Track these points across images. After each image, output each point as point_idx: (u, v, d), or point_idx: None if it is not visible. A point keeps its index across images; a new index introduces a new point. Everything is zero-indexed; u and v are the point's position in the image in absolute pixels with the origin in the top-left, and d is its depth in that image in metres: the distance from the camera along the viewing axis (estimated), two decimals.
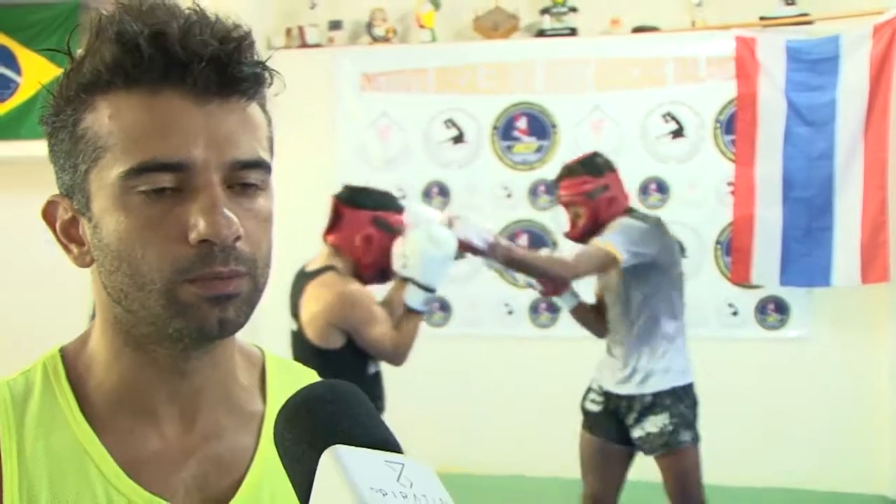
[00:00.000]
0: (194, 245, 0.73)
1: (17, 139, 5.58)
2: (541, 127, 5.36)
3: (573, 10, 5.39)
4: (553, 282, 3.22)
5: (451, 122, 5.42)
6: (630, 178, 5.27)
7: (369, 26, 5.57)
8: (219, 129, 0.74)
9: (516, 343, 5.37)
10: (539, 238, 5.36)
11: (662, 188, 5.24)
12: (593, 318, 3.48)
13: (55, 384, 0.81)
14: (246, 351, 0.90)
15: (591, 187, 3.23)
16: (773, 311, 5.17)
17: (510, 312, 5.40)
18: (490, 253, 3.00)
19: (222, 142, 0.74)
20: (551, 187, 5.35)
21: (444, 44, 5.51)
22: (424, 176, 5.44)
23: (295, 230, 5.57)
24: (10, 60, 5.68)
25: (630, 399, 3.24)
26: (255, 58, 0.76)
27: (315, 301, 2.77)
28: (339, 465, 0.51)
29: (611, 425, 3.32)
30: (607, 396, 3.33)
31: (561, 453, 5.21)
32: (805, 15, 5.11)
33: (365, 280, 2.86)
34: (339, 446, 0.53)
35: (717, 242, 5.20)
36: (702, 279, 5.18)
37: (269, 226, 0.80)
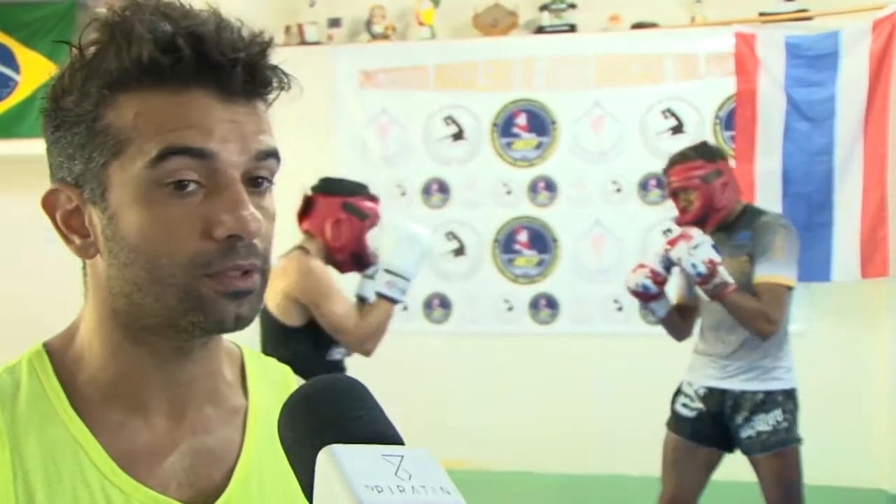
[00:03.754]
0: (219, 240, 0.75)
1: (16, 138, 5.57)
2: (540, 123, 5.36)
3: (572, 6, 5.39)
4: (754, 331, 3.10)
5: (450, 119, 5.42)
6: (630, 175, 5.32)
7: (368, 23, 5.57)
8: (241, 126, 0.77)
9: (516, 339, 5.37)
10: (539, 234, 5.37)
11: (662, 184, 5.22)
12: (679, 321, 3.44)
13: (43, 379, 0.81)
14: (226, 347, 0.91)
15: (704, 172, 3.18)
16: None
17: (510, 309, 5.40)
18: (700, 282, 3.03)
19: (244, 137, 0.77)
20: (551, 184, 5.35)
21: (443, 41, 5.51)
22: (424, 173, 5.43)
23: (293, 227, 5.58)
24: (8, 59, 5.68)
25: (740, 396, 3.18)
26: (274, 63, 0.79)
27: (279, 275, 2.84)
28: (334, 464, 0.51)
29: (706, 427, 3.26)
30: (708, 396, 3.25)
31: (564, 449, 5.23)
32: (804, 10, 5.10)
33: (339, 265, 2.96)
34: (334, 445, 0.53)
35: None
36: None
37: (274, 224, 0.82)
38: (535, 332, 5.38)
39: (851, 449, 4.96)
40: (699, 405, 3.28)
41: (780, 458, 3.18)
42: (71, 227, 0.80)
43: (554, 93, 5.33)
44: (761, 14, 5.17)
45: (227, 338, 0.90)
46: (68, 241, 0.81)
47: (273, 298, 2.86)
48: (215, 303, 0.76)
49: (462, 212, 5.42)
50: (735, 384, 3.20)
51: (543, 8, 5.43)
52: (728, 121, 5.14)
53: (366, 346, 2.88)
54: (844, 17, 4.94)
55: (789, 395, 3.22)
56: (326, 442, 0.53)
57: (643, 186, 5.24)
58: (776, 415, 3.17)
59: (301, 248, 2.94)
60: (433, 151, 5.44)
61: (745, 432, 3.18)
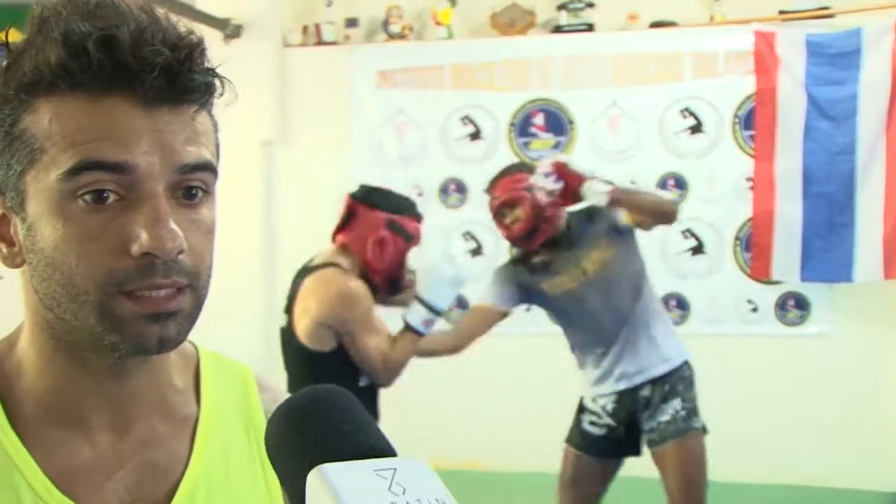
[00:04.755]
0: (135, 257, 0.70)
1: None
2: (558, 123, 5.33)
3: (590, 5, 5.36)
4: (664, 215, 3.13)
5: (467, 119, 5.41)
6: (648, 174, 5.29)
7: (385, 23, 5.56)
8: (165, 135, 0.71)
9: (535, 340, 5.35)
10: None
11: (681, 184, 5.20)
12: None
13: None
14: (181, 349, 0.85)
15: (528, 183, 3.11)
16: (794, 307, 5.12)
17: (528, 309, 5.37)
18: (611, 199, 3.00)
19: (168, 148, 0.71)
20: None
21: (460, 41, 5.49)
22: (441, 173, 5.42)
23: (310, 227, 5.57)
24: None
25: (647, 390, 3.17)
26: (207, 65, 0.73)
27: (311, 296, 2.60)
28: (325, 485, 0.49)
29: (611, 442, 3.25)
30: (618, 403, 3.22)
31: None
32: (825, 8, 5.05)
33: (373, 286, 2.68)
34: (324, 465, 0.51)
35: (737, 238, 5.16)
36: (721, 275, 5.15)
37: (212, 237, 0.76)
38: (553, 332, 5.35)
39: (873, 451, 4.91)
40: (608, 420, 3.26)
41: (680, 446, 3.13)
42: (0, 234, 0.76)
43: (571, 92, 5.30)
44: (781, 12, 5.12)
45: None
46: None
47: (301, 321, 2.62)
48: (134, 324, 0.71)
49: (480, 212, 5.36)
50: (636, 380, 3.17)
51: (561, 7, 5.41)
52: (747, 120, 5.10)
53: (388, 379, 2.69)
54: (866, 15, 4.89)
55: (687, 381, 3.20)
56: (316, 461, 0.51)
57: (661, 186, 5.21)
58: (675, 404, 3.15)
59: (334, 265, 2.65)
60: (450, 151, 5.43)
61: (648, 425, 3.17)
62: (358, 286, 2.61)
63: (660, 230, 5.17)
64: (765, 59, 5.00)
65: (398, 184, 5.45)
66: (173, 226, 0.70)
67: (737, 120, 5.13)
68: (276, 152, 5.55)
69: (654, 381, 3.16)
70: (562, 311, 3.29)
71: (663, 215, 3.13)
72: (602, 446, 3.27)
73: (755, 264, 5.08)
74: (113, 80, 0.69)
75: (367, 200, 2.71)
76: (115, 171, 0.69)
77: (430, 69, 5.42)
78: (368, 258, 2.65)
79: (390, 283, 2.71)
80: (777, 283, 5.10)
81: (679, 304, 5.18)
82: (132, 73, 0.69)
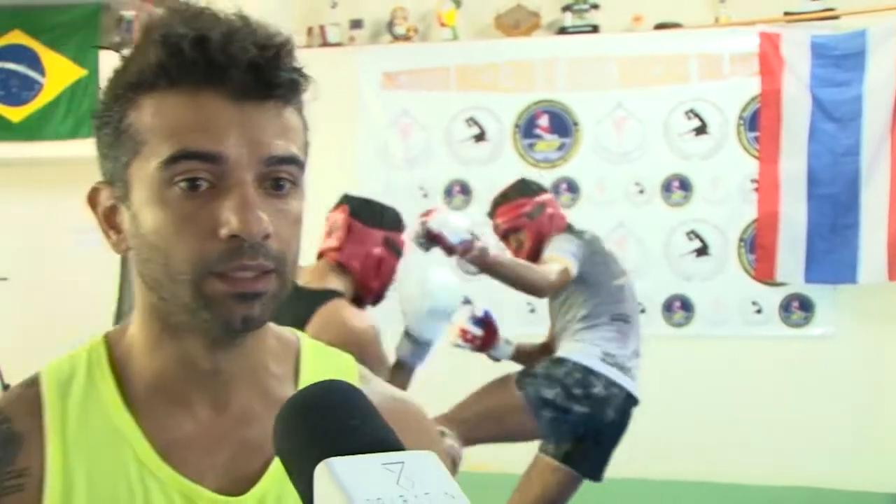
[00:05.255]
0: (224, 240, 0.76)
1: (41, 140, 5.63)
2: (563, 125, 5.34)
3: (595, 7, 5.37)
4: (529, 291, 3.06)
5: (472, 121, 5.41)
6: (653, 176, 5.29)
7: (390, 25, 5.57)
8: (253, 127, 0.77)
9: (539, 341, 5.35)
10: None
11: (685, 185, 5.20)
12: (527, 358, 3.36)
13: (97, 369, 0.85)
14: (283, 338, 0.92)
15: (529, 209, 3.20)
16: (798, 308, 5.12)
17: (532, 311, 5.38)
18: (462, 252, 2.85)
19: (256, 140, 0.77)
20: (573, 185, 5.33)
21: (465, 42, 5.50)
22: (446, 174, 5.43)
23: (315, 229, 5.58)
24: (33, 62, 5.72)
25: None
26: (294, 64, 0.79)
27: (325, 330, 2.35)
28: (332, 479, 0.49)
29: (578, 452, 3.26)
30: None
31: None
32: (830, 10, 5.05)
33: (364, 302, 2.58)
34: (331, 459, 0.50)
35: (741, 240, 5.15)
36: (725, 277, 5.15)
37: (299, 226, 0.82)
38: None
39: (877, 453, 4.90)
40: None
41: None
42: (110, 222, 0.84)
43: (576, 94, 5.30)
44: (786, 13, 5.12)
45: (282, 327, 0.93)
46: (107, 235, 0.85)
47: None
48: (222, 303, 0.77)
49: (484, 213, 5.39)
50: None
51: (566, 9, 5.41)
52: (752, 121, 5.09)
53: None
54: (871, 16, 4.88)
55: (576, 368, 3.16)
56: (324, 455, 0.51)
57: (666, 188, 5.21)
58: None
59: (336, 293, 2.49)
60: (455, 153, 5.43)
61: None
62: (370, 326, 2.44)
63: (664, 232, 5.20)
64: (770, 61, 5.00)
65: (403, 185, 5.47)
66: (259, 212, 0.76)
67: (741, 121, 5.12)
68: None
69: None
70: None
71: (529, 291, 3.07)
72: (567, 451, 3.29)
73: (759, 266, 5.08)
74: (205, 77, 0.76)
75: (362, 216, 2.58)
76: (208, 160, 0.76)
77: (434, 70, 5.43)
78: (365, 277, 2.54)
79: (377, 298, 2.63)
80: (781, 284, 5.09)
81: (683, 306, 5.18)
82: (222, 70, 0.75)
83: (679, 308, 5.17)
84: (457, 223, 2.88)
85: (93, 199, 0.85)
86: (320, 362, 0.92)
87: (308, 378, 0.90)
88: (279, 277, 0.79)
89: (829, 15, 5.05)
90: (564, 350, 3.15)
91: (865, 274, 4.87)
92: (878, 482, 4.85)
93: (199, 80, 0.76)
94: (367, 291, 2.57)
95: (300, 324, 2.56)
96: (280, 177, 0.79)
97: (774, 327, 5.13)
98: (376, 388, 0.91)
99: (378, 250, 2.53)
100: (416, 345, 2.58)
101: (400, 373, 2.56)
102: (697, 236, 5.19)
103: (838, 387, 5.00)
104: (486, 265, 2.90)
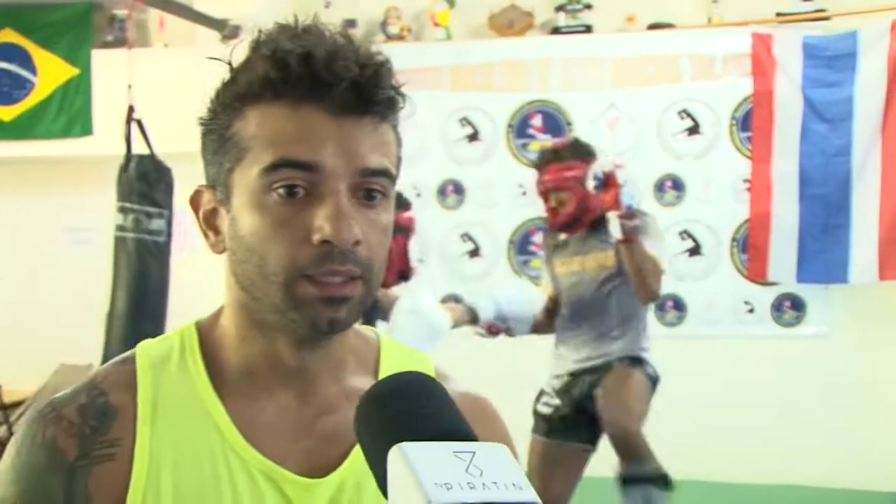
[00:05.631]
0: (316, 245, 0.80)
1: (33, 139, 5.61)
2: (556, 124, 5.34)
3: (588, 7, 5.38)
4: (647, 293, 3.13)
5: (466, 121, 5.42)
6: (646, 176, 5.29)
7: (384, 25, 5.57)
8: (350, 140, 0.82)
9: (534, 341, 5.35)
10: None
11: (678, 185, 5.22)
12: (544, 323, 3.45)
13: (189, 353, 0.90)
14: (364, 336, 0.97)
15: (579, 173, 3.15)
16: (790, 308, 5.14)
17: None
18: (628, 215, 2.97)
19: (352, 152, 0.82)
20: None
21: (458, 42, 5.50)
22: (440, 174, 5.43)
23: None
24: (25, 60, 5.70)
25: (595, 370, 3.23)
26: (392, 82, 0.85)
27: None
28: (404, 462, 0.52)
29: (564, 421, 3.29)
30: (568, 383, 3.29)
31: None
32: (822, 11, 5.07)
33: (387, 284, 2.77)
34: (404, 444, 0.53)
35: (733, 239, 5.17)
36: (718, 276, 5.16)
37: (388, 236, 0.87)
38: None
39: (869, 452, 4.92)
40: (557, 401, 3.32)
41: (619, 371, 3.19)
42: (210, 224, 0.89)
43: (570, 94, 5.31)
44: (778, 14, 5.14)
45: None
46: (206, 236, 0.89)
47: None
48: (311, 305, 0.81)
49: (477, 213, 5.41)
50: (587, 364, 3.25)
51: (559, 9, 5.42)
52: (745, 122, 5.11)
53: None
54: (862, 18, 4.91)
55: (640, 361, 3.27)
56: (398, 440, 0.54)
57: (659, 187, 5.22)
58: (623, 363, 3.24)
59: None
60: (448, 152, 5.43)
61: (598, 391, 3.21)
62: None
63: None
64: (762, 61, 5.02)
65: (397, 185, 5.46)
66: (350, 219, 0.80)
67: (734, 122, 5.14)
68: None
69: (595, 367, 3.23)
70: (560, 286, 3.37)
71: (643, 289, 3.11)
72: (552, 423, 3.31)
73: (752, 265, 5.10)
74: (309, 92, 0.81)
75: None
76: (305, 169, 0.81)
77: (428, 70, 5.43)
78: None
79: (400, 277, 2.84)
80: (773, 284, 5.11)
81: (676, 306, 5.20)
82: (325, 86, 0.80)
83: (672, 307, 5.18)
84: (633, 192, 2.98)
85: (195, 200, 0.90)
86: (398, 359, 0.97)
87: (387, 373, 0.94)
88: (365, 284, 0.84)
89: (820, 16, 5.07)
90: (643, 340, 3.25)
91: (857, 274, 4.89)
92: (868, 480, 4.87)
93: (302, 95, 0.81)
94: (387, 273, 2.64)
95: None
96: (372, 188, 0.83)
97: (766, 327, 5.15)
98: (452, 386, 0.94)
99: None
100: None
101: None
102: (690, 236, 5.21)
103: (830, 386, 5.02)
104: (633, 240, 2.98)
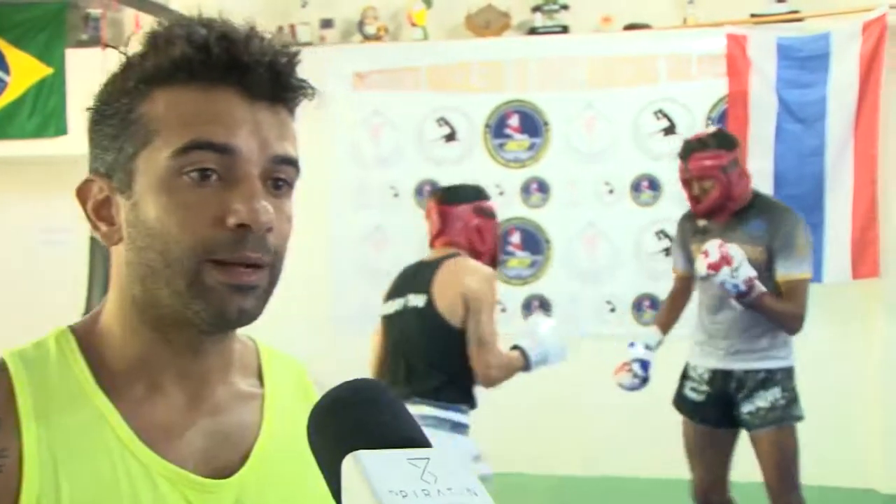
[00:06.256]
0: (231, 228, 0.79)
1: (6, 139, 5.54)
2: (533, 125, 5.36)
3: (565, 7, 5.40)
4: (787, 331, 3.23)
5: (443, 121, 5.42)
6: (622, 176, 5.32)
7: (361, 25, 5.57)
8: (262, 127, 0.81)
9: (510, 341, 5.37)
10: (531, 235, 5.37)
11: (654, 185, 5.25)
12: (669, 320, 3.58)
13: (70, 356, 0.85)
14: (241, 339, 0.94)
15: (724, 161, 3.21)
16: None
17: (503, 310, 5.39)
18: (745, 294, 3.06)
19: (265, 137, 0.81)
20: (544, 185, 5.36)
21: (435, 42, 5.51)
22: (417, 174, 5.43)
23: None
24: None
25: (742, 376, 3.24)
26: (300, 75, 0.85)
27: (455, 273, 2.86)
28: (359, 470, 0.52)
29: (715, 410, 3.32)
30: (713, 378, 3.31)
31: (558, 451, 5.23)
32: (796, 12, 5.13)
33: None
34: (358, 452, 0.53)
35: None
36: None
37: (291, 227, 0.85)
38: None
39: (844, 449, 4.97)
40: (706, 388, 3.33)
41: (777, 434, 3.22)
42: (100, 215, 0.85)
43: (546, 94, 5.33)
44: (753, 15, 5.19)
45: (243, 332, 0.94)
46: (96, 228, 0.86)
47: (445, 298, 2.85)
48: (218, 293, 0.79)
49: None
50: (737, 364, 3.25)
51: (536, 9, 5.44)
52: (720, 122, 5.14)
53: (490, 371, 2.86)
54: (835, 19, 4.96)
55: (788, 374, 3.28)
56: (352, 449, 0.53)
57: (635, 187, 5.25)
58: (775, 392, 3.23)
59: (455, 253, 2.93)
60: (426, 153, 5.44)
61: (746, 408, 3.23)
62: (493, 272, 2.91)
63: (633, 231, 5.25)
64: (737, 62, 5.06)
65: (374, 185, 5.46)
66: (266, 203, 0.79)
67: (710, 122, 5.17)
68: None
69: (747, 372, 3.26)
70: (698, 273, 3.33)
71: (784, 327, 3.22)
72: (702, 413, 3.35)
73: None
74: (225, 74, 0.80)
75: (450, 199, 3.01)
76: (220, 151, 0.79)
77: (405, 70, 5.43)
78: (472, 245, 2.95)
79: (493, 261, 3.00)
80: None
81: (652, 305, 5.22)
82: (243, 68, 0.80)
83: (648, 307, 5.21)
84: (740, 275, 3.05)
85: (83, 192, 0.86)
86: (277, 363, 0.96)
87: (271, 375, 0.94)
88: (271, 272, 0.82)
89: (794, 17, 5.12)
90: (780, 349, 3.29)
91: (830, 273, 4.94)
92: (844, 477, 4.92)
93: (217, 77, 0.80)
94: (482, 256, 2.95)
95: (428, 286, 2.92)
96: (280, 177, 0.82)
97: None
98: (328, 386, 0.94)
99: (474, 221, 2.96)
100: (542, 360, 2.98)
101: (516, 353, 2.92)
102: (667, 236, 5.23)
103: (804, 384, 5.04)
104: (755, 306, 3.11)
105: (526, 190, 5.38)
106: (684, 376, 3.44)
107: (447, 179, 5.38)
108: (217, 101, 0.80)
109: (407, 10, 5.54)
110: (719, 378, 3.29)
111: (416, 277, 2.99)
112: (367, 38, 5.55)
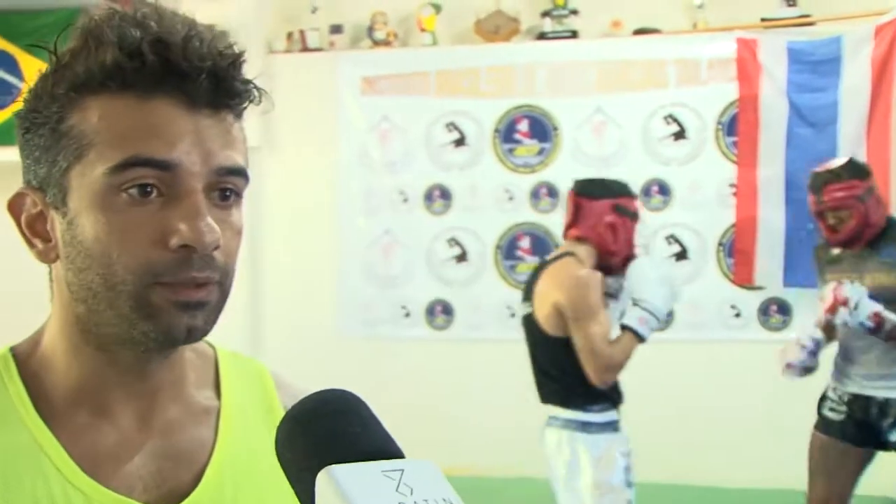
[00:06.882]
0: (174, 250, 0.74)
1: None
2: (542, 129, 5.35)
3: (574, 12, 5.39)
4: None
5: (452, 126, 5.42)
6: (632, 181, 5.24)
7: (370, 30, 5.57)
8: (205, 137, 0.75)
9: (518, 346, 5.36)
10: (541, 241, 5.36)
11: (664, 190, 5.23)
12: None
13: (7, 381, 0.80)
14: (199, 349, 0.90)
15: (860, 191, 3.18)
16: (776, 312, 5.16)
17: (513, 315, 5.38)
18: (874, 333, 3.05)
19: (208, 149, 0.76)
20: (553, 190, 5.35)
21: (445, 47, 5.51)
22: (426, 179, 5.43)
23: (295, 233, 5.57)
24: (12, 66, 5.69)
25: (884, 403, 3.23)
26: (244, 75, 0.78)
27: (549, 282, 2.82)
28: (333, 486, 0.50)
29: (859, 430, 3.30)
30: (852, 400, 3.30)
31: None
32: (806, 16, 5.10)
33: (610, 268, 2.89)
34: (332, 466, 0.52)
35: (720, 244, 5.19)
36: (704, 281, 5.17)
37: (240, 239, 0.80)
38: None
39: None
40: (844, 409, 3.33)
41: None
42: (34, 230, 0.80)
43: (556, 99, 5.33)
44: (763, 19, 5.16)
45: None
46: (31, 244, 0.80)
47: (542, 307, 2.83)
48: (166, 313, 0.75)
49: (464, 218, 5.41)
50: (877, 392, 3.24)
51: (545, 14, 5.43)
52: (730, 127, 5.13)
53: (606, 375, 2.78)
54: (846, 23, 4.94)
55: None
56: (325, 462, 0.52)
57: (645, 192, 5.23)
58: None
59: (570, 254, 2.88)
60: (435, 158, 5.44)
61: (894, 436, 3.22)
62: (589, 274, 2.79)
63: (643, 235, 5.22)
64: (747, 67, 5.04)
65: (383, 189, 5.47)
66: (211, 221, 0.74)
67: (720, 126, 5.16)
68: (261, 159, 5.55)
69: (889, 400, 3.24)
70: None
71: None
72: (843, 429, 3.34)
73: (738, 270, 5.11)
74: (161, 82, 0.74)
75: (588, 192, 2.93)
76: (160, 167, 0.73)
77: (414, 75, 5.44)
78: (604, 243, 2.86)
79: (624, 260, 2.91)
80: (760, 288, 5.13)
81: None
82: (181, 75, 0.74)
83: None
84: (862, 313, 3.03)
85: (16, 205, 0.81)
86: (238, 370, 0.92)
87: (229, 386, 0.89)
88: (221, 289, 0.78)
89: (805, 21, 5.09)
90: None
91: None
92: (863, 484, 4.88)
93: (152, 85, 0.74)
94: (611, 255, 2.88)
95: (531, 294, 2.91)
96: (226, 188, 0.77)
97: (753, 331, 5.16)
98: (294, 393, 0.89)
99: (609, 217, 2.86)
100: (651, 316, 2.81)
101: (626, 337, 2.79)
102: (676, 241, 5.22)
103: (816, 390, 5.02)
104: (893, 339, 3.08)
105: (535, 195, 5.37)
106: (823, 396, 3.44)
107: (456, 184, 5.40)
108: (154, 111, 0.74)
109: (416, 15, 5.54)
110: (859, 402, 3.29)
111: (529, 282, 3.00)
112: (376, 43, 5.55)
